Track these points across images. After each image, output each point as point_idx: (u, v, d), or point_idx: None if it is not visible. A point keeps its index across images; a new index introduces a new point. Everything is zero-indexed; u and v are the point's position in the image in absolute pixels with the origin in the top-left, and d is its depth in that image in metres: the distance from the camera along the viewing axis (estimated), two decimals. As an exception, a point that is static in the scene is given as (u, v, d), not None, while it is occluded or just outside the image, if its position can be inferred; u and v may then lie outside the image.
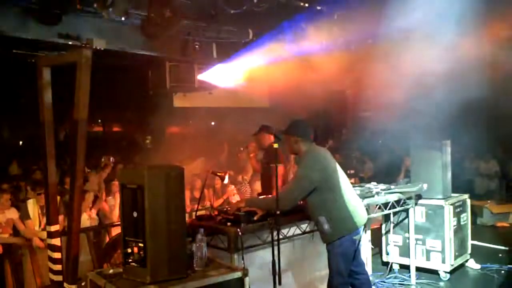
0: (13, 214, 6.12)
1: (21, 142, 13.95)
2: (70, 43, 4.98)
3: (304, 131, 4.47)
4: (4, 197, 6.11)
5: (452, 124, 7.13)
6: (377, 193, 5.74)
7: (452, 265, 6.28)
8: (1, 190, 6.33)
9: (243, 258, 4.16)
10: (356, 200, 4.57)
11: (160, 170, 3.32)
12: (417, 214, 6.34)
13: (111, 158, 7.30)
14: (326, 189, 4.35)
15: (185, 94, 7.62)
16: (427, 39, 6.42)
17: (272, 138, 6.56)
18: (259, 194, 6.78)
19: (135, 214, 3.25)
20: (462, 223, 6.63)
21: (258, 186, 8.24)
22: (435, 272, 6.34)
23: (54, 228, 5.34)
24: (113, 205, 7.03)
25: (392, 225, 6.59)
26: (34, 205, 6.31)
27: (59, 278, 5.27)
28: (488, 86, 6.56)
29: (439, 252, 6.27)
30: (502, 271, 6.49)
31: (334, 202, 4.36)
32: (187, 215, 4.12)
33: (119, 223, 5.31)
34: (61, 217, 5.70)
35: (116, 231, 6.62)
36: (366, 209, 4.94)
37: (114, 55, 6.26)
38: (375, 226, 6.99)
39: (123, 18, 5.23)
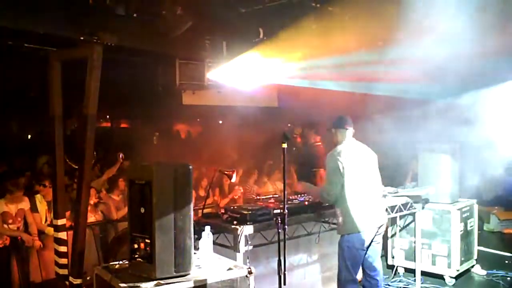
0: (24, 204, 6.14)
1: (29, 136, 14.02)
2: (81, 38, 4.98)
3: (341, 123, 4.78)
4: (17, 190, 6.11)
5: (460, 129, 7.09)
6: (384, 196, 5.72)
7: (457, 270, 6.25)
8: (15, 183, 6.32)
9: (248, 257, 4.16)
10: (372, 202, 4.64)
11: (168, 167, 3.33)
12: (423, 218, 6.31)
13: (121, 154, 7.29)
14: (345, 184, 4.51)
15: (194, 92, 7.61)
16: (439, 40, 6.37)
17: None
18: None
19: (142, 210, 3.26)
20: (469, 228, 6.59)
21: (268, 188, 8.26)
22: (440, 277, 6.32)
23: (61, 222, 5.38)
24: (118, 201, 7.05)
25: (398, 228, 6.56)
26: (42, 201, 6.33)
27: (64, 271, 5.30)
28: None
29: (445, 257, 6.25)
30: (508, 278, 6.45)
31: (347, 198, 4.51)
32: (193, 212, 4.12)
33: (125, 218, 5.33)
34: (67, 213, 5.72)
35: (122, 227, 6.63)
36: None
37: (125, 51, 6.27)
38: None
39: (134, 15, 5.22)
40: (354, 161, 4.59)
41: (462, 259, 6.34)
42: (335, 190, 4.53)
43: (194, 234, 3.56)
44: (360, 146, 4.81)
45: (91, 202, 6.57)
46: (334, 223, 5.36)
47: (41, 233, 6.14)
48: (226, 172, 5.14)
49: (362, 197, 4.54)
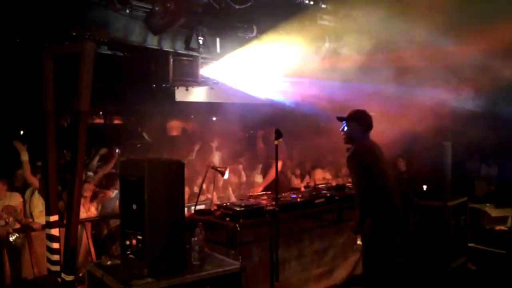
0: (16, 199, 6.10)
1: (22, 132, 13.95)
2: (73, 34, 4.96)
3: (365, 121, 4.43)
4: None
5: (454, 126, 7.13)
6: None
7: (449, 267, 6.28)
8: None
9: (240, 253, 4.17)
10: None
11: (160, 163, 3.33)
12: (415, 215, 6.33)
13: (117, 150, 7.23)
14: None
15: (188, 88, 7.59)
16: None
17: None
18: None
19: (134, 206, 3.26)
20: (460, 225, 6.62)
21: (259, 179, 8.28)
22: (431, 273, 6.34)
23: (53, 218, 5.36)
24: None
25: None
26: (39, 198, 6.30)
27: (56, 268, 5.29)
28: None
29: (436, 253, 6.27)
30: (499, 274, 6.49)
31: None
32: (186, 209, 4.13)
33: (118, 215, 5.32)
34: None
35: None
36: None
37: (117, 47, 6.25)
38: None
39: (127, 10, 5.21)
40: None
41: (454, 256, 6.37)
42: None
43: (187, 231, 3.57)
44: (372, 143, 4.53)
45: (86, 194, 6.55)
46: (326, 220, 5.39)
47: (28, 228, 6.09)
48: (219, 169, 5.14)
49: None
